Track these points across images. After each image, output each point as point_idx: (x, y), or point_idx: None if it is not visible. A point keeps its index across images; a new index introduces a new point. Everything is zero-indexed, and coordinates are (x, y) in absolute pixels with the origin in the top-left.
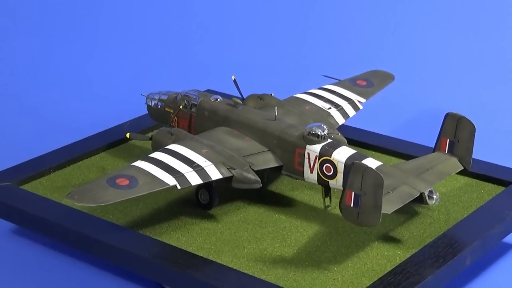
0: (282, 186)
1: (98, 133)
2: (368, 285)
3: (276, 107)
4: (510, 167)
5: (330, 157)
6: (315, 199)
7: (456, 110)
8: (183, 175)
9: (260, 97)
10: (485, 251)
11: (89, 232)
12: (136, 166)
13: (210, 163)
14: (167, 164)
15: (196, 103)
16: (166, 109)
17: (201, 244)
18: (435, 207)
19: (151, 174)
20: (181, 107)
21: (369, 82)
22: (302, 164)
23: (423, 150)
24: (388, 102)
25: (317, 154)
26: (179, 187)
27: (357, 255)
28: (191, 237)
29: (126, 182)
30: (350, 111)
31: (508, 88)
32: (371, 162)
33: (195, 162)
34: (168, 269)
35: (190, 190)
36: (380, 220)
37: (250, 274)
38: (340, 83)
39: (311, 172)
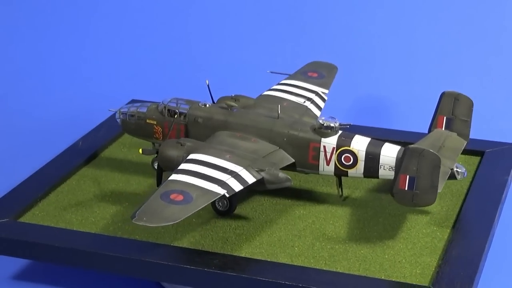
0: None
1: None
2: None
3: (279, 105)
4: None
5: (349, 147)
6: (319, 191)
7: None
8: (225, 182)
9: (234, 99)
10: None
11: (121, 252)
12: (178, 180)
13: (241, 167)
14: (205, 174)
15: (185, 111)
16: (148, 121)
17: (251, 249)
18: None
19: (197, 186)
20: (176, 116)
21: (319, 74)
22: (317, 158)
23: (401, 134)
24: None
25: (334, 146)
26: (227, 195)
27: (404, 236)
28: (235, 243)
29: (181, 197)
30: (321, 103)
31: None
32: (391, 147)
33: (227, 169)
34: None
35: None
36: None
37: (331, 270)
38: (294, 77)
39: (328, 164)
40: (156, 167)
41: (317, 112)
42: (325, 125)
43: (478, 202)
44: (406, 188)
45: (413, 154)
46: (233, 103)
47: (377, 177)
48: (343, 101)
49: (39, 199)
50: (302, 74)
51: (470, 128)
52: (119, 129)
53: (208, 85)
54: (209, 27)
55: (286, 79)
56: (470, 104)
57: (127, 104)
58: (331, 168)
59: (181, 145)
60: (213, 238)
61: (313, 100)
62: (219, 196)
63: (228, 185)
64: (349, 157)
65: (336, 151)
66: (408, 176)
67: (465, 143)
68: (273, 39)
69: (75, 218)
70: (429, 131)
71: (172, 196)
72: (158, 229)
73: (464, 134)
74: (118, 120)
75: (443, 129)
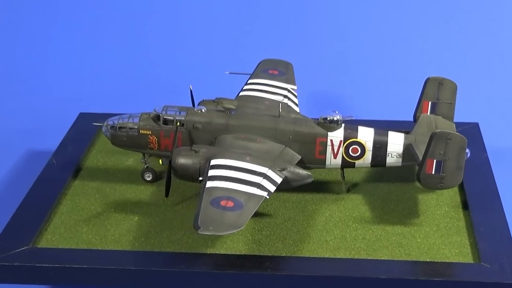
0: None
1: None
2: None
3: (280, 104)
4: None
5: (357, 138)
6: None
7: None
8: (261, 184)
9: (217, 102)
10: None
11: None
12: (218, 187)
13: (266, 168)
14: (239, 178)
15: (182, 118)
16: (142, 132)
17: (289, 248)
18: None
19: (240, 190)
20: (178, 124)
21: (279, 71)
22: (324, 152)
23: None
24: None
25: (342, 139)
26: (267, 197)
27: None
28: (269, 244)
29: (231, 203)
30: (295, 100)
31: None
32: (396, 135)
33: (255, 171)
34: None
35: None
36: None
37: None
38: (258, 76)
39: (335, 158)
40: (147, 178)
41: (296, 109)
42: (329, 119)
43: (474, 179)
44: (433, 172)
45: (440, 139)
46: (231, 106)
47: (384, 165)
48: (313, 95)
49: (44, 223)
50: (264, 72)
51: (454, 110)
52: (85, 137)
53: (191, 91)
54: (156, 35)
55: (251, 78)
56: (454, 88)
57: (112, 117)
58: (338, 161)
59: (196, 152)
60: (245, 242)
61: (289, 97)
62: (263, 200)
63: (264, 186)
64: (356, 148)
65: (343, 144)
66: (435, 161)
67: (454, 125)
68: (220, 40)
69: (93, 237)
70: (414, 116)
71: (222, 203)
72: (187, 240)
73: (449, 117)
74: (107, 134)
75: (428, 113)
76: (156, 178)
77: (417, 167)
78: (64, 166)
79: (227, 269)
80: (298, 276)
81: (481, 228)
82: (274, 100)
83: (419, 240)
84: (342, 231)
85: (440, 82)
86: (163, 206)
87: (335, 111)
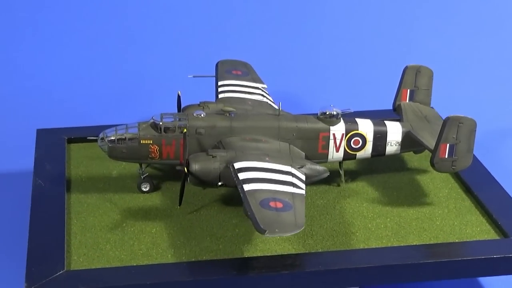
0: None
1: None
2: None
3: (280, 103)
4: None
5: (358, 130)
6: None
7: None
8: (294, 183)
9: (203, 106)
10: None
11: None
12: (259, 189)
13: (288, 167)
14: (273, 179)
15: (184, 125)
16: (143, 141)
17: (323, 243)
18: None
19: (281, 191)
20: (185, 130)
21: (242, 71)
22: (326, 147)
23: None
24: None
25: (344, 132)
26: (304, 194)
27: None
28: (303, 242)
29: (280, 204)
30: (269, 97)
31: None
32: (392, 123)
33: (282, 170)
34: None
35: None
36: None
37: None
38: (226, 78)
39: (337, 151)
40: (144, 189)
41: (275, 106)
42: (329, 113)
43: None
44: (446, 156)
45: (453, 123)
46: (230, 108)
47: (384, 154)
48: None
49: (65, 245)
50: (228, 73)
51: (431, 96)
52: (57, 153)
53: (179, 96)
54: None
55: (220, 80)
56: (431, 74)
57: (106, 130)
58: (340, 155)
59: (213, 157)
60: (276, 242)
61: (264, 95)
62: (304, 196)
63: (297, 184)
64: (358, 140)
65: (345, 137)
66: (448, 145)
67: (434, 109)
68: (179, 44)
69: (121, 254)
70: (394, 105)
71: (272, 204)
72: (217, 246)
73: (426, 103)
74: (104, 147)
75: (407, 101)
76: (154, 188)
77: (411, 154)
78: (53, 186)
79: (281, 269)
80: (356, 268)
81: (491, 205)
82: (256, 100)
83: (438, 223)
84: (362, 222)
85: (417, 70)
86: (174, 215)
87: (331, 105)
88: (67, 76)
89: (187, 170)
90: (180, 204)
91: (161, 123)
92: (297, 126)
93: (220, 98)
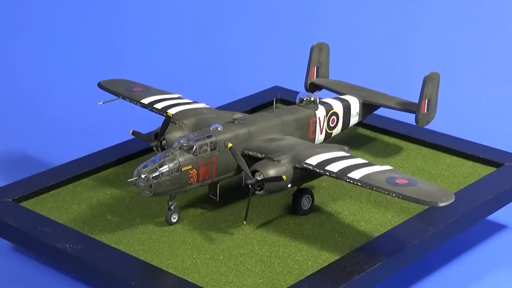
0: None
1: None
2: None
3: (274, 99)
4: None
5: (333, 109)
6: None
7: None
8: (369, 163)
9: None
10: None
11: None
12: (369, 173)
13: (342, 152)
14: (356, 164)
15: (214, 141)
16: (184, 168)
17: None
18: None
19: (380, 171)
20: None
21: (143, 88)
22: (314, 132)
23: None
24: None
25: (325, 114)
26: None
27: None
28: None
29: (405, 180)
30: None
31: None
32: (350, 97)
33: (344, 156)
34: None
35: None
36: None
37: None
38: (137, 96)
39: (321, 133)
40: (173, 220)
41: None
42: (307, 99)
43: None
44: (425, 111)
45: (430, 79)
46: (239, 115)
47: (348, 126)
48: None
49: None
50: (131, 91)
51: (328, 70)
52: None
53: (170, 117)
54: None
55: (142, 98)
56: (328, 49)
57: (140, 169)
58: (322, 136)
59: (278, 161)
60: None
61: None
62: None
63: (373, 163)
64: (334, 118)
65: (326, 118)
66: (426, 100)
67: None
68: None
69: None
70: (305, 83)
71: (399, 181)
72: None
73: (326, 76)
74: (146, 186)
75: (315, 78)
76: (179, 218)
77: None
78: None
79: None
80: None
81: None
82: (205, 107)
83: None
84: (377, 214)
85: (320, 47)
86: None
87: (307, 91)
88: None
89: (259, 179)
90: (245, 219)
91: (194, 146)
92: (294, 117)
93: (189, 109)
